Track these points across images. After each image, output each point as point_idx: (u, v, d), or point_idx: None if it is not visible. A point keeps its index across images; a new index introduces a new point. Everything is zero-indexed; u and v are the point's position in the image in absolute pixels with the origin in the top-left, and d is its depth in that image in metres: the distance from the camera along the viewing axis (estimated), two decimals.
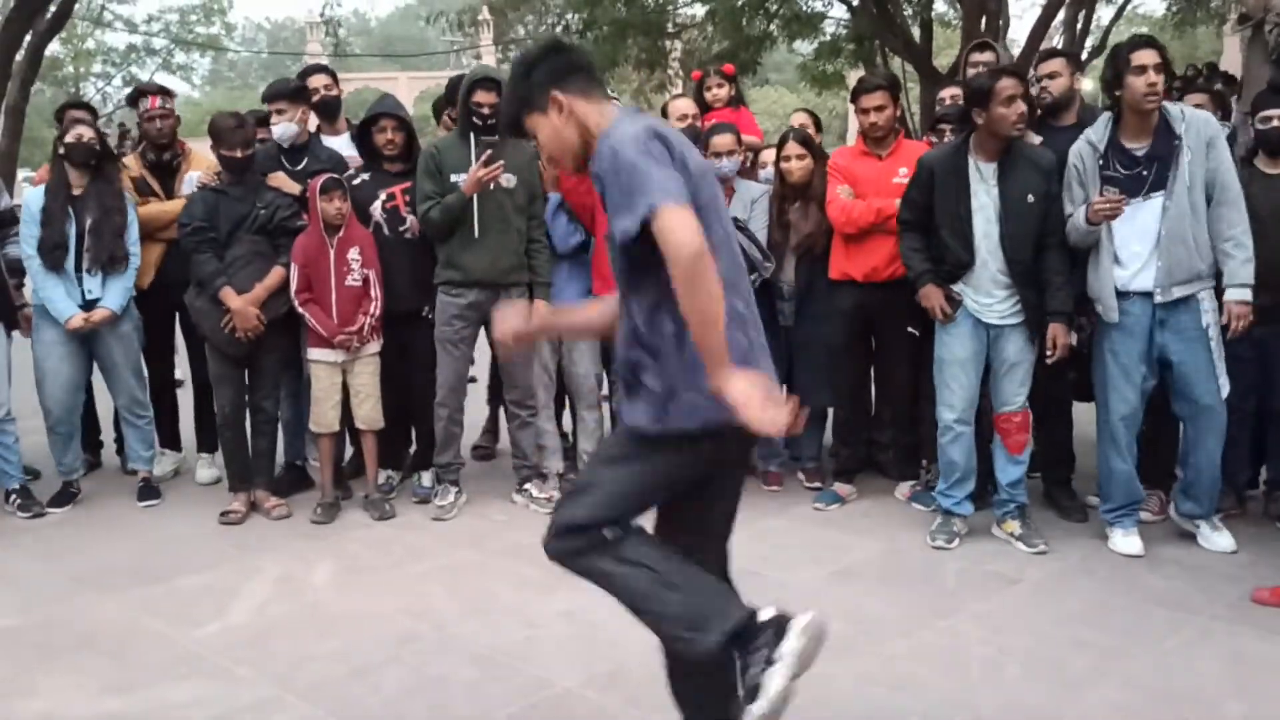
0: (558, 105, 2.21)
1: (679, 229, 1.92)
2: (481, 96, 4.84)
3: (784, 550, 4.45)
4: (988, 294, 4.37)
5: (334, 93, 5.71)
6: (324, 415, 4.99)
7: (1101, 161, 4.24)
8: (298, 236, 4.92)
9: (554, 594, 3.79)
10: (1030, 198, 4.29)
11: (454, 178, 4.84)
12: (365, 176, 5.13)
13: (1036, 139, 4.63)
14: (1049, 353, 4.32)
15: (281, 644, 3.57)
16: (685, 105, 5.91)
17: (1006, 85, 4.22)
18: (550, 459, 5.26)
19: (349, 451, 5.55)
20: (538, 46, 2.32)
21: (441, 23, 18.80)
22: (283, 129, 5.23)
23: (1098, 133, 4.28)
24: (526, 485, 5.15)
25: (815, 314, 5.12)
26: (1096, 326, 4.38)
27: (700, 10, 14.84)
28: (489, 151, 4.77)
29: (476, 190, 4.80)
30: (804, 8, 14.12)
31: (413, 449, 5.55)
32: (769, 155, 5.48)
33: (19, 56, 13.30)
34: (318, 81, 5.64)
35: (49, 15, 13.44)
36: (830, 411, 5.39)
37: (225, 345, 4.89)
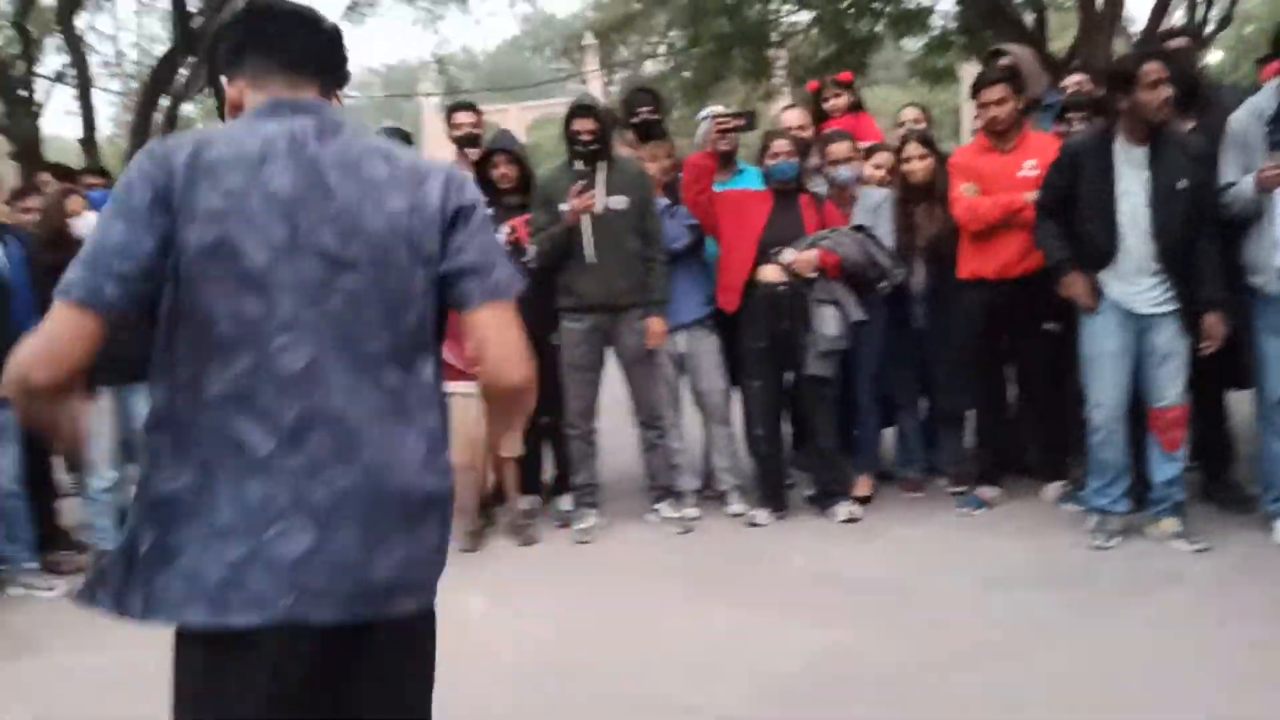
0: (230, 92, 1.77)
1: (32, 341, 1.52)
2: (579, 124, 4.93)
3: (931, 558, 4.36)
4: (1133, 282, 4.23)
5: (479, 130, 5.82)
6: (467, 446, 5.07)
7: (1269, 128, 4.11)
8: None
9: (700, 616, 3.80)
10: (1181, 183, 4.14)
11: (562, 207, 4.92)
12: (488, 212, 5.23)
13: (1188, 124, 4.49)
14: (1203, 344, 4.17)
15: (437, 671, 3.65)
16: (796, 116, 5.89)
17: (1151, 69, 4.10)
18: (682, 478, 5.27)
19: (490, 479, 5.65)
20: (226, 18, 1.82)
21: (546, 52, 19.11)
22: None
23: (1265, 100, 4.17)
24: (659, 505, 5.17)
25: (947, 315, 5.03)
26: (1251, 305, 4.21)
27: (804, 17, 14.74)
28: (581, 182, 4.84)
29: (577, 220, 4.86)
30: (910, 4, 13.92)
31: (550, 474, 5.63)
32: (880, 158, 5.39)
33: (158, 119, 13.97)
34: (463, 119, 5.74)
35: (183, 80, 14.11)
36: (969, 414, 5.28)
37: None
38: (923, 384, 5.18)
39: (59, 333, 1.52)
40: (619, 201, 4.93)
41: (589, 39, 21.60)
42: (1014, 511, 4.92)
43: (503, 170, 5.23)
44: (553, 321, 5.10)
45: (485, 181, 5.27)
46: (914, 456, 5.36)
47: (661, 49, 17.24)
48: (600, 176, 4.92)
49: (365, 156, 1.67)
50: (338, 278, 1.59)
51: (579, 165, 4.97)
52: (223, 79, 1.76)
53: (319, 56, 1.76)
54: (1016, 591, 3.95)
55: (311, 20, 1.76)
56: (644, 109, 5.48)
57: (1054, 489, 5.01)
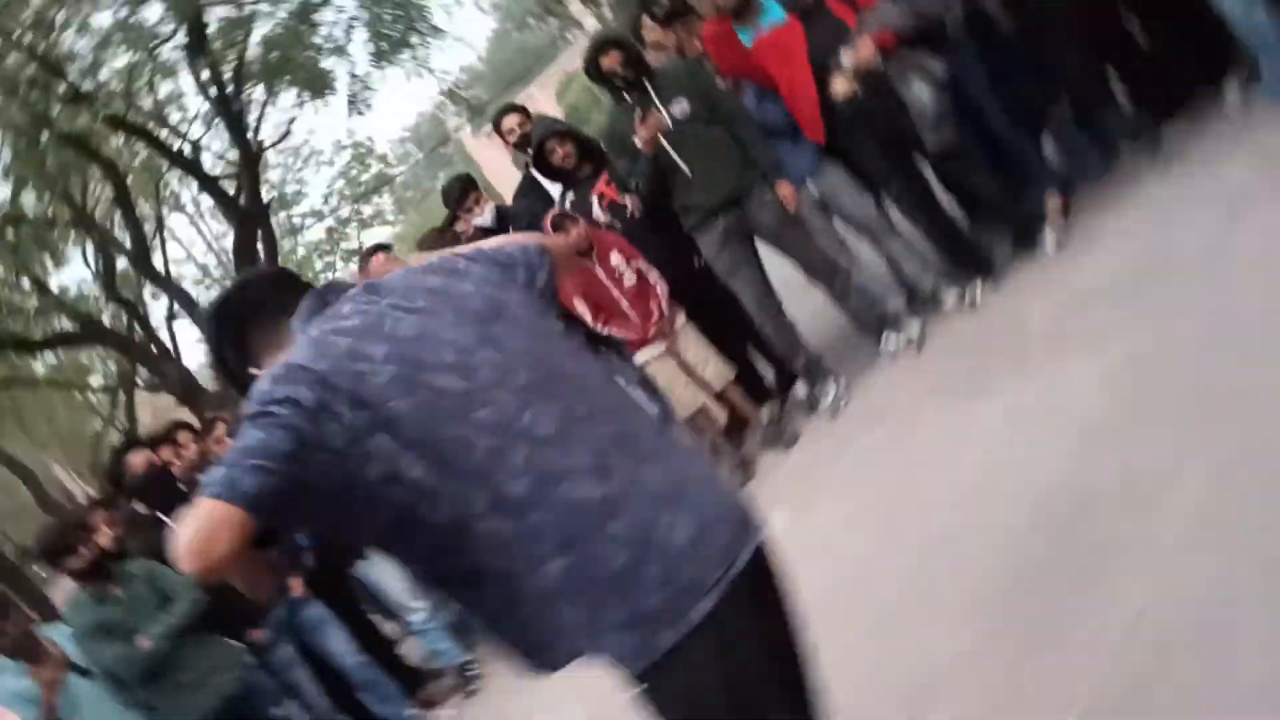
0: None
1: (190, 524, 1.49)
2: (608, 62, 4.91)
3: (1164, 228, 4.10)
4: None
5: (527, 129, 5.84)
6: (683, 397, 5.12)
7: None
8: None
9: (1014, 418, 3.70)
10: None
11: (635, 141, 4.86)
12: (570, 196, 5.26)
13: None
14: None
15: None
16: None
17: None
18: (890, 302, 5.12)
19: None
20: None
21: (530, 22, 18.93)
22: (479, 221, 5.51)
23: None
24: (884, 339, 5.05)
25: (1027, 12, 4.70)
26: None
27: None
28: (637, 112, 4.80)
29: (653, 145, 4.80)
30: None
31: (772, 377, 5.62)
32: None
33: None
34: (510, 123, 5.82)
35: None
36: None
37: None
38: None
39: None
40: (680, 107, 4.86)
41: None
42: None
43: (561, 152, 5.22)
44: (692, 247, 5.09)
45: (553, 170, 5.28)
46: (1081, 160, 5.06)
47: None
48: (651, 96, 4.85)
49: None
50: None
51: (627, 99, 4.92)
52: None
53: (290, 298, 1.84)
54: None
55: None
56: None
57: (1232, 92, 4.59)
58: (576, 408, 1.68)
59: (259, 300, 1.89)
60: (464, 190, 5.70)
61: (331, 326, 1.69)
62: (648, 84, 4.88)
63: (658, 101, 4.85)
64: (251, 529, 1.48)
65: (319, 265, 26.57)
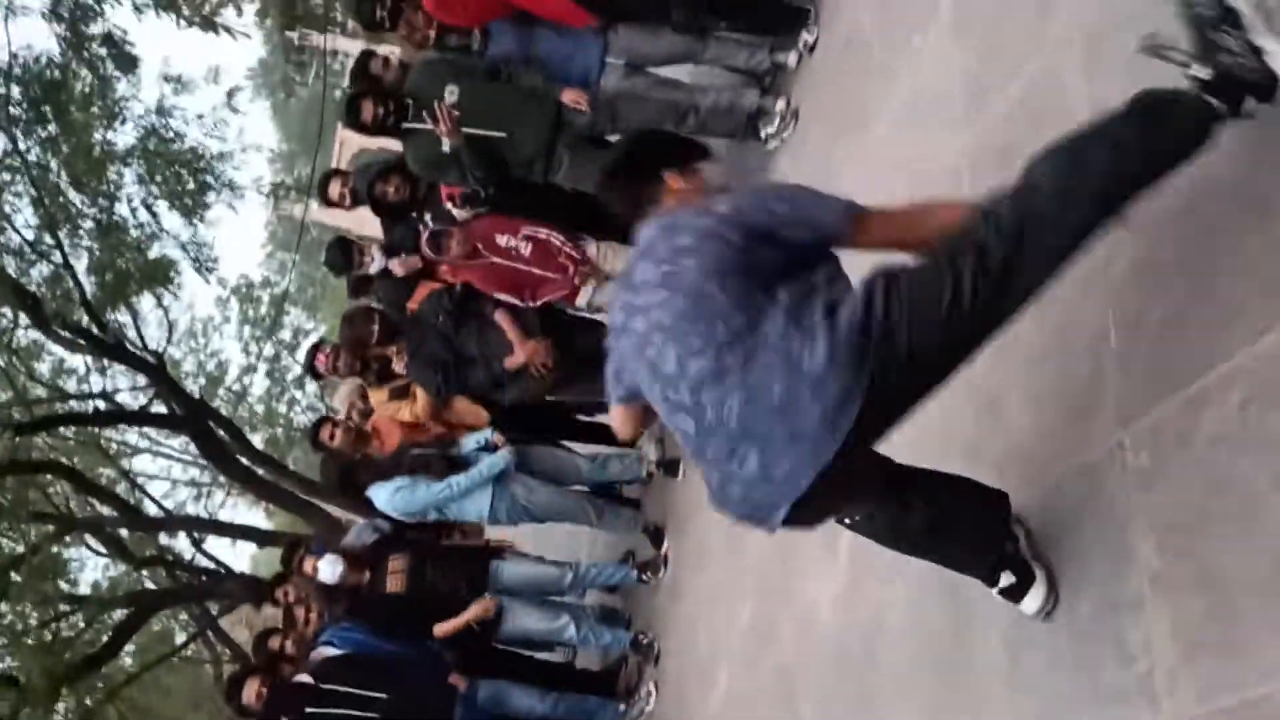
0: None
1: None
2: (367, 110, 4.79)
3: None
4: None
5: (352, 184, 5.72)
6: None
7: None
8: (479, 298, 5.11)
9: None
10: None
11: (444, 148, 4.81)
12: (426, 223, 5.18)
13: None
14: None
15: None
16: None
17: None
18: (745, 101, 5.08)
19: None
20: None
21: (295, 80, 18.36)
22: (374, 269, 5.44)
23: None
24: (761, 133, 5.03)
25: None
26: None
27: None
28: (424, 126, 4.72)
29: (460, 136, 4.71)
30: None
31: None
32: None
33: None
34: (334, 191, 5.64)
35: None
36: None
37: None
38: None
39: None
40: (449, 91, 4.76)
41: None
42: None
43: (392, 189, 5.13)
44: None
45: (396, 207, 5.21)
46: None
47: None
48: (426, 104, 4.75)
49: None
50: None
51: (406, 123, 4.83)
52: None
53: None
54: None
55: None
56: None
57: None
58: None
59: None
60: (345, 253, 5.60)
61: None
62: (411, 101, 4.78)
63: (429, 101, 4.73)
64: None
65: (282, 409, 26.52)
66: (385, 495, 5.18)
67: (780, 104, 4.94)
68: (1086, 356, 2.53)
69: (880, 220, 2.16)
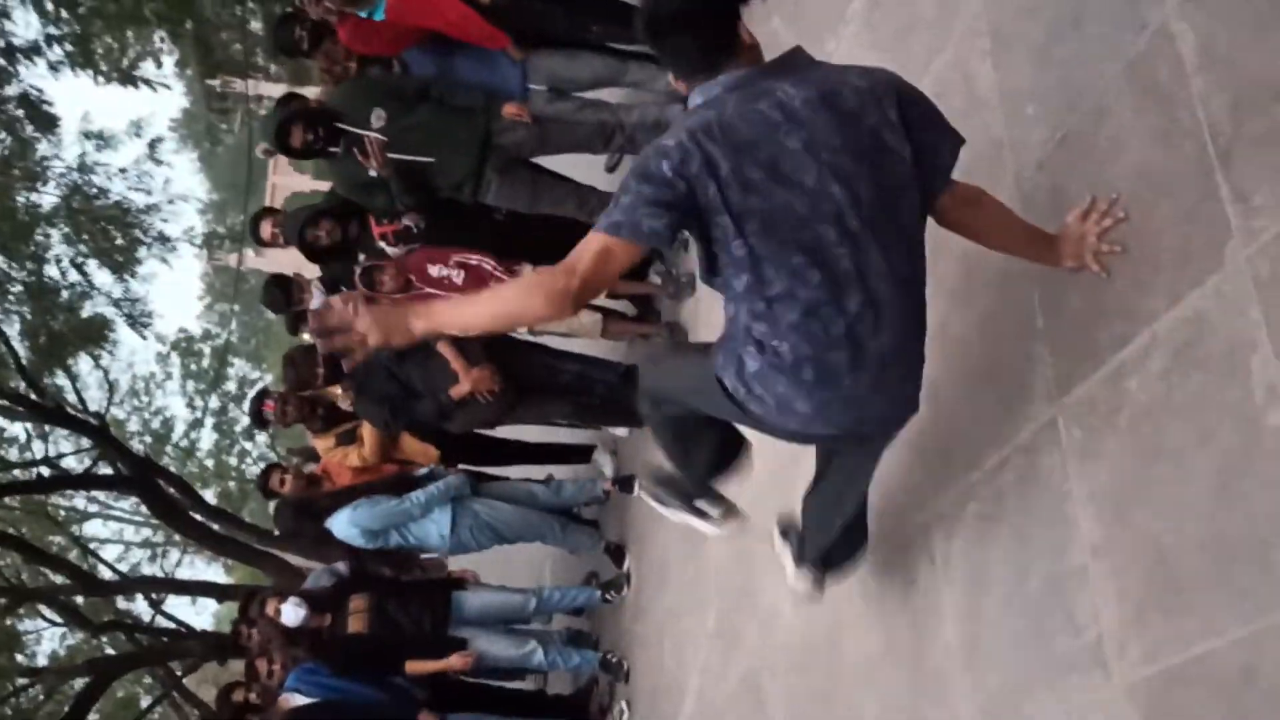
0: None
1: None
2: (297, 136, 4.71)
3: None
4: None
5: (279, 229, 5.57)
6: (585, 324, 5.16)
7: None
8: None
9: None
10: None
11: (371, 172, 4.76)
12: (361, 261, 5.15)
13: None
14: None
15: None
16: None
17: None
18: (669, 115, 5.15)
19: None
20: None
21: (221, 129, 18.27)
22: (314, 305, 5.39)
23: None
24: None
25: None
26: None
27: None
28: (350, 153, 4.69)
29: (388, 167, 4.68)
30: None
31: None
32: None
33: None
34: (266, 231, 5.50)
35: None
36: None
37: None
38: None
39: None
40: (377, 117, 4.73)
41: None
42: None
43: (323, 234, 5.07)
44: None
45: (328, 251, 5.18)
46: None
47: None
48: (350, 131, 4.73)
49: None
50: None
51: (334, 151, 4.80)
52: None
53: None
54: None
55: None
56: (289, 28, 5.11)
57: None
58: None
59: None
60: (284, 291, 5.52)
61: None
62: (339, 126, 4.74)
63: (359, 131, 4.71)
64: None
65: (233, 461, 26.18)
66: (345, 517, 5.15)
67: None
68: (1015, 340, 2.58)
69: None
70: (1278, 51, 1.94)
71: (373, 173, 4.71)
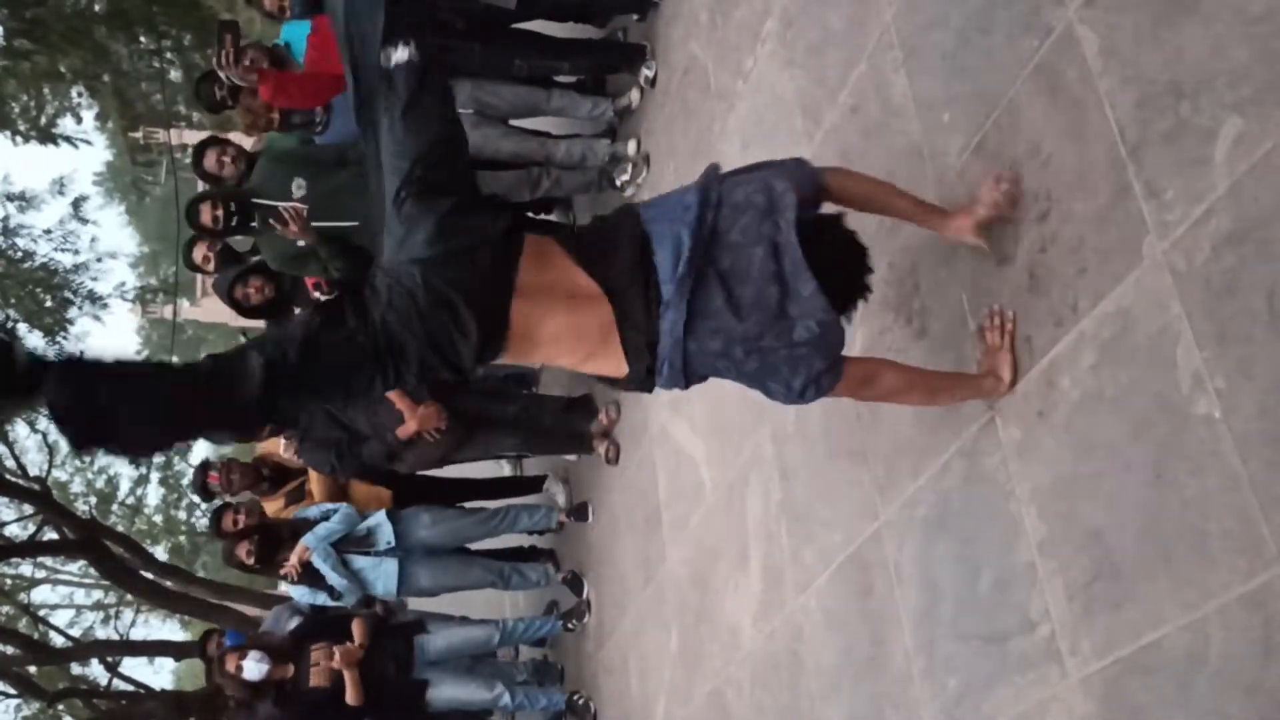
0: None
1: None
2: (206, 214, 4.61)
3: None
4: None
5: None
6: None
7: None
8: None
9: None
10: None
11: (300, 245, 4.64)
12: (294, 316, 5.07)
13: None
14: None
15: None
16: None
17: None
18: (597, 151, 5.16)
19: None
20: None
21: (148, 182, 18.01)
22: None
23: None
24: (616, 179, 5.10)
25: None
26: None
27: None
28: (270, 230, 4.57)
29: (312, 235, 4.54)
30: None
31: None
32: None
33: None
34: (199, 256, 5.15)
35: None
36: None
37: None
38: None
39: None
40: (297, 186, 4.61)
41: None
42: None
43: (253, 292, 4.99)
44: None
45: (260, 309, 5.10)
46: None
47: None
48: (267, 205, 4.61)
49: None
50: None
51: (253, 226, 4.70)
52: None
53: None
54: None
55: None
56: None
57: None
58: None
59: None
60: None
61: None
62: (253, 200, 4.62)
63: (271, 203, 4.58)
64: None
65: (182, 514, 25.71)
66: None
67: (631, 147, 5.01)
68: (948, 343, 2.62)
69: None
70: (1177, 50, 1.99)
71: (301, 243, 4.63)
